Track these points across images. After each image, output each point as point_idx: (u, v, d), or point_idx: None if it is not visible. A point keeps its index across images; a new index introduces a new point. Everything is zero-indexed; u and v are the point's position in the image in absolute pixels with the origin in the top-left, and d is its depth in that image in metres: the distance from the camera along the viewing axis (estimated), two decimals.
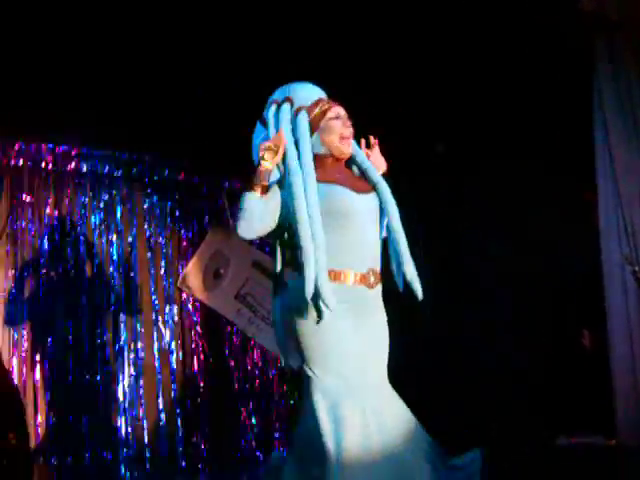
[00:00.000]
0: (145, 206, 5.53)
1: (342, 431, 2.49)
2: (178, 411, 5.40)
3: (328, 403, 2.57)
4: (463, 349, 6.08)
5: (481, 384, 5.88)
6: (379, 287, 2.84)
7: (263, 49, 4.84)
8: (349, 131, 2.90)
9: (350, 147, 2.92)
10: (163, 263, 5.53)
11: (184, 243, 5.68)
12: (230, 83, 5.10)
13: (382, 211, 2.90)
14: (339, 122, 2.88)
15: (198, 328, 5.63)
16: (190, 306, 5.61)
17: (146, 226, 5.50)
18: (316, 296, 2.59)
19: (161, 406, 5.31)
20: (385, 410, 2.66)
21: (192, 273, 5.26)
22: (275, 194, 2.73)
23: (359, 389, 2.62)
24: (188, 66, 4.92)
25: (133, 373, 5.24)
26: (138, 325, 5.33)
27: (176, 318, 5.52)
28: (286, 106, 2.86)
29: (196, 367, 5.57)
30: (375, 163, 3.04)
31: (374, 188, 2.91)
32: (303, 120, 2.82)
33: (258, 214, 2.66)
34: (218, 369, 5.70)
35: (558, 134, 5.73)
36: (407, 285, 2.89)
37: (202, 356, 5.61)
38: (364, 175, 2.98)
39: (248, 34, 4.74)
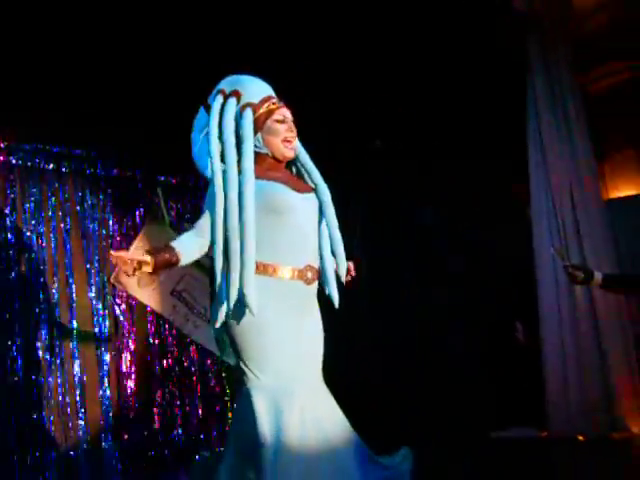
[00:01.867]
0: (77, 201, 5.39)
1: (281, 430, 2.47)
2: (114, 408, 5.32)
3: (266, 402, 2.54)
4: (396, 345, 6.14)
5: (416, 379, 5.94)
6: (316, 284, 2.82)
7: (196, 44, 4.82)
8: (293, 135, 2.85)
9: (292, 151, 2.87)
10: (97, 258, 5.41)
11: (118, 238, 5.56)
12: (166, 78, 5.03)
13: (321, 213, 2.87)
14: (284, 126, 2.82)
15: (133, 324, 5.55)
16: (124, 303, 5.53)
17: (79, 221, 5.36)
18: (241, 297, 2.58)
19: (96, 405, 5.21)
20: (320, 409, 2.64)
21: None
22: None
23: (296, 387, 2.59)
24: (123, 57, 4.84)
25: (67, 370, 5.12)
26: (74, 321, 5.21)
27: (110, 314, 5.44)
28: (232, 100, 2.78)
29: (129, 363, 5.49)
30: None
31: (314, 190, 2.89)
32: (248, 119, 2.75)
33: (192, 248, 2.71)
34: (154, 365, 5.62)
35: (492, 132, 5.84)
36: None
37: (135, 352, 5.53)
38: (305, 176, 2.94)
39: (180, 28, 4.71)
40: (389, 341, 6.16)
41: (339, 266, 2.87)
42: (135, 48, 4.83)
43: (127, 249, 5.17)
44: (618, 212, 5.87)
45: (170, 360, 5.71)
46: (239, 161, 2.68)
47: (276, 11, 4.77)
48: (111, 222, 5.54)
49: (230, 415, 5.75)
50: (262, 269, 2.65)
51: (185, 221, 5.69)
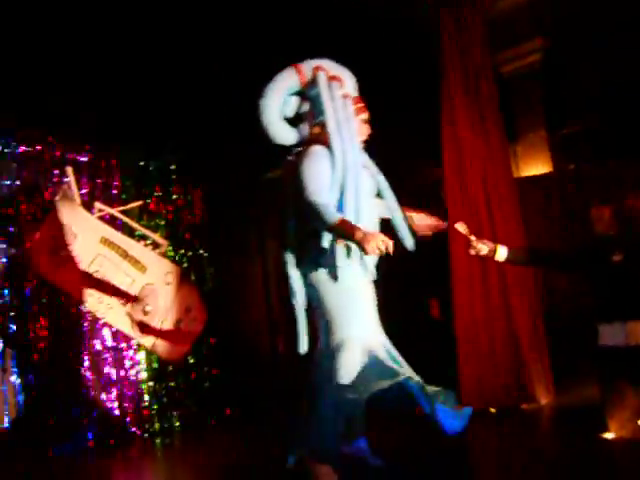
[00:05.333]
0: None
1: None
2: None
3: (359, 348, 2.98)
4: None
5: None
6: None
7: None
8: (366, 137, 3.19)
9: None
10: (4, 239, 5.24)
11: (28, 218, 5.39)
12: (78, 51, 4.90)
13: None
14: (366, 127, 3.16)
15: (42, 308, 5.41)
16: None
17: None
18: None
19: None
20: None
21: (36, 249, 4.97)
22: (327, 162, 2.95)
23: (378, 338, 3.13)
24: (38, 30, 4.70)
25: None
26: None
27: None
28: (336, 84, 3.06)
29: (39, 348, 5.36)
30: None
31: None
32: (350, 106, 3.06)
33: None
34: (66, 350, 5.50)
35: (406, 113, 5.90)
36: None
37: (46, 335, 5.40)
38: None
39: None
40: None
41: (405, 240, 3.30)
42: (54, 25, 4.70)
43: (38, 228, 5.05)
44: (527, 190, 6.04)
45: (83, 343, 5.60)
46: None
47: None
48: (19, 201, 5.36)
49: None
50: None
51: (96, 200, 5.53)
